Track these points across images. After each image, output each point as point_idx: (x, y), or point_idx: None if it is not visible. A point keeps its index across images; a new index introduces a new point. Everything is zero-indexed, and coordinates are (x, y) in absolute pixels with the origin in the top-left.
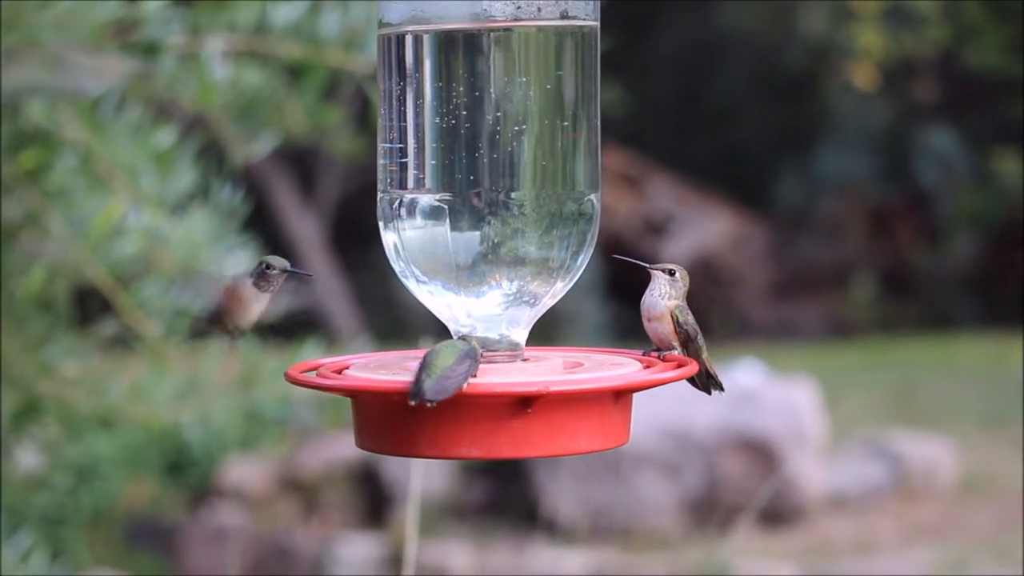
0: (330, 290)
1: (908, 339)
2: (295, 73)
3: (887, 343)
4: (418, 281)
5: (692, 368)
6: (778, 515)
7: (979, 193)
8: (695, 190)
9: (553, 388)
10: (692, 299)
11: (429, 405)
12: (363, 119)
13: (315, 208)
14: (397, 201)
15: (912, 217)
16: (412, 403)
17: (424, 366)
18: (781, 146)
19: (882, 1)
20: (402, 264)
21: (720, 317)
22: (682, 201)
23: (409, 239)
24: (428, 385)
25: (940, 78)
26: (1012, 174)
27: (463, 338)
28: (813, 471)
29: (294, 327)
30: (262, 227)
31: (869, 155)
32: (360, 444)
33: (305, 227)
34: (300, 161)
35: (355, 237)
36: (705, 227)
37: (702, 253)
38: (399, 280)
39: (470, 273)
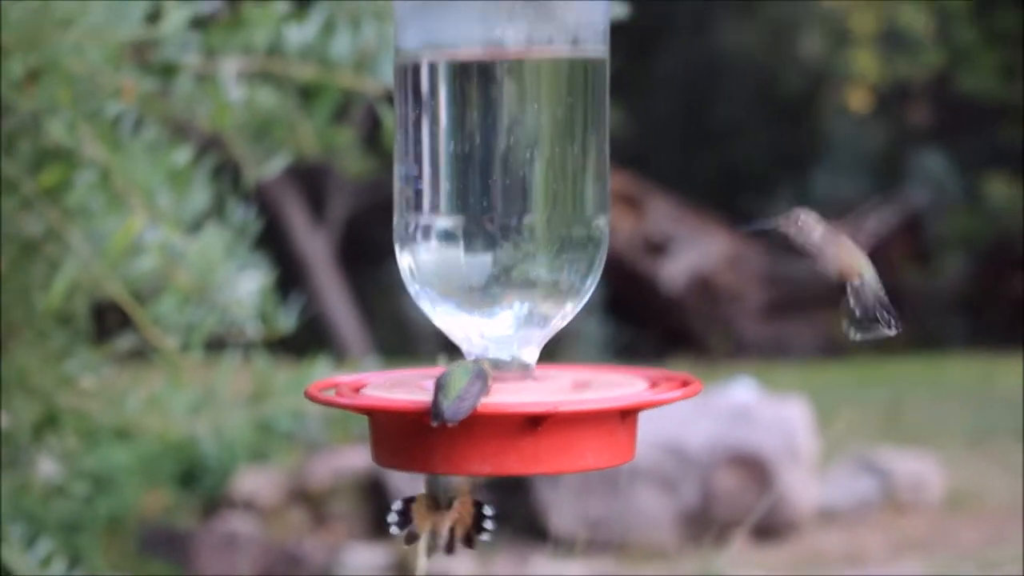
0: (338, 306)
1: (898, 358)
2: (307, 94)
3: (877, 362)
4: (432, 302)
5: (696, 387)
6: (771, 528)
7: (969, 215)
8: (694, 211)
9: (562, 408)
10: (691, 317)
11: (449, 426)
12: (372, 140)
13: (325, 226)
14: (412, 225)
15: (904, 238)
16: (434, 424)
17: (440, 388)
18: (778, 167)
19: (877, 25)
20: (417, 286)
21: (717, 336)
22: (681, 221)
23: (424, 261)
24: (447, 407)
25: (933, 102)
26: (1002, 197)
27: (475, 360)
28: (805, 486)
29: (304, 343)
30: (274, 244)
31: (863, 176)
32: (377, 460)
33: (315, 244)
34: (311, 180)
35: (363, 254)
36: (703, 247)
37: (700, 272)
38: (408, 297)
39: (483, 295)
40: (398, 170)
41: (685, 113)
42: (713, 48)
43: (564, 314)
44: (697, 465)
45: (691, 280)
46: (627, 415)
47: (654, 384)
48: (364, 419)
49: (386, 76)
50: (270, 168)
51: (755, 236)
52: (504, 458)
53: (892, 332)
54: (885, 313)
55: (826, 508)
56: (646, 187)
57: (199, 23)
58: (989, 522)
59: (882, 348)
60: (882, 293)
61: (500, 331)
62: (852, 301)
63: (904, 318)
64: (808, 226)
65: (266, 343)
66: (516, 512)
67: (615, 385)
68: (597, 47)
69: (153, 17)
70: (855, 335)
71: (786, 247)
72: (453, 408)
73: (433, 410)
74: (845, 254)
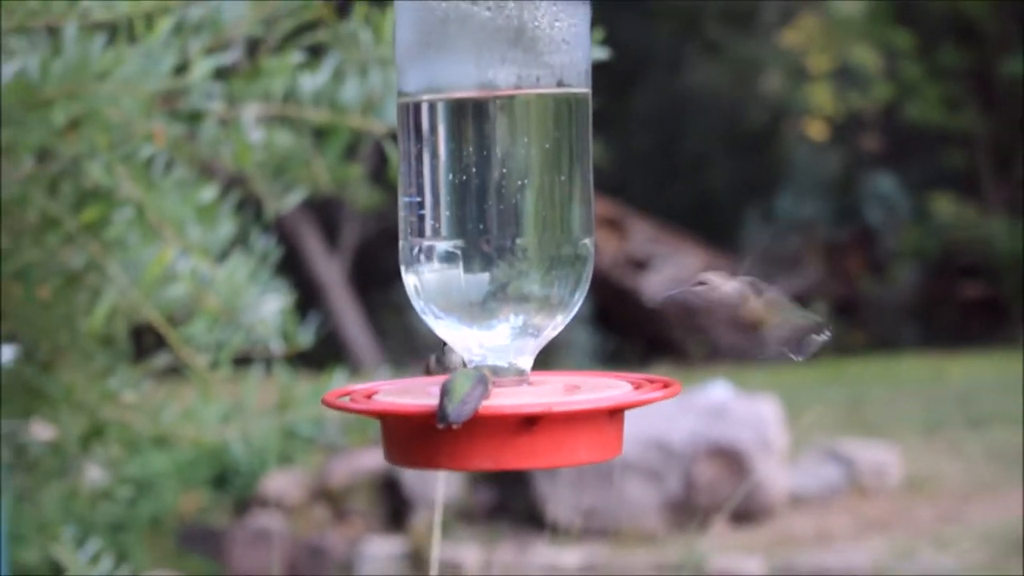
0: (352, 323)
1: (858, 359)
2: (320, 135)
3: (840, 363)
4: (435, 317)
5: (675, 389)
6: (747, 513)
7: (918, 231)
8: (671, 232)
9: (556, 408)
10: (671, 326)
11: (454, 427)
12: (379, 175)
13: (338, 252)
14: (416, 248)
15: (860, 252)
16: (440, 426)
17: (445, 392)
18: (746, 192)
19: (831, 63)
20: (421, 303)
21: (695, 342)
22: (659, 241)
23: (427, 280)
24: (452, 409)
25: (883, 131)
26: (947, 214)
27: (476, 368)
28: (777, 475)
29: (321, 357)
30: (292, 270)
31: (822, 198)
32: (389, 459)
33: (329, 269)
34: (325, 212)
35: (373, 277)
36: (680, 263)
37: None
38: (416, 315)
39: (481, 309)
40: (402, 199)
41: (660, 145)
42: (684, 87)
43: (555, 325)
44: (680, 458)
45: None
46: (614, 414)
47: (638, 386)
48: (377, 423)
49: (390, 117)
50: (288, 202)
51: (672, 301)
52: (503, 454)
53: (825, 337)
54: (810, 331)
55: (796, 494)
56: (627, 212)
57: (222, 73)
58: (944, 503)
59: (844, 350)
60: (800, 317)
61: (497, 341)
62: (778, 338)
63: (862, 324)
64: (717, 284)
65: (288, 358)
66: (517, 503)
67: (603, 388)
68: (580, 86)
69: (181, 69)
70: (798, 358)
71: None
72: (457, 411)
73: (439, 413)
74: (755, 304)
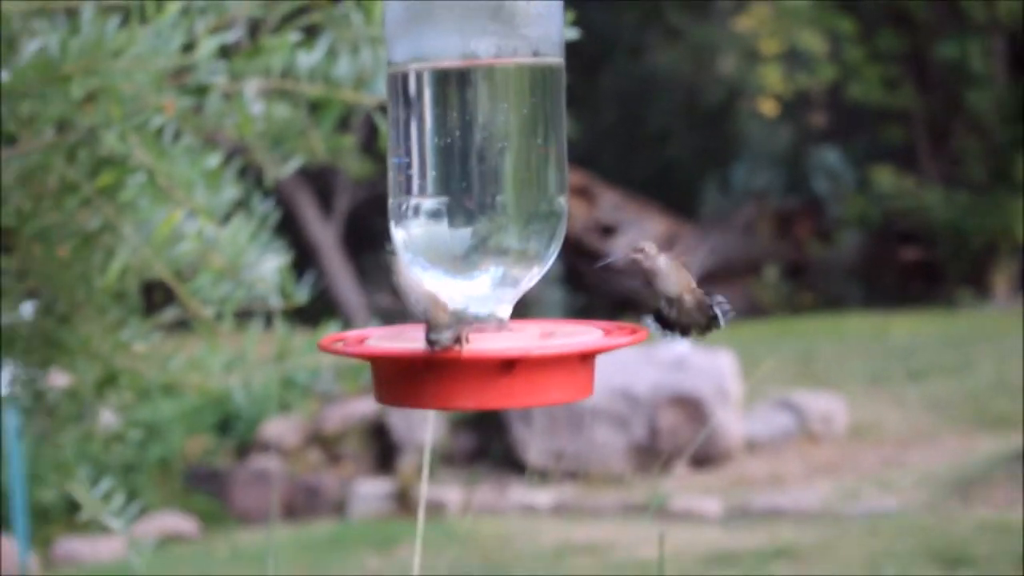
0: (344, 282)
1: (807, 316)
2: (315, 108)
3: (791, 320)
4: (422, 268)
5: (642, 335)
6: (706, 458)
7: (861, 200)
8: (635, 200)
9: (532, 352)
10: (636, 289)
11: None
12: (370, 145)
13: (332, 217)
14: (405, 205)
15: (808, 219)
16: (435, 350)
17: (429, 328)
18: (704, 164)
19: (781, 47)
20: (410, 255)
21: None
22: (625, 208)
23: (415, 235)
24: (434, 337)
25: (829, 108)
26: (888, 184)
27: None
28: (733, 422)
29: (316, 312)
30: (290, 232)
31: (773, 170)
32: (379, 399)
33: (324, 232)
34: (319, 179)
35: (364, 239)
36: (644, 228)
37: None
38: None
39: (464, 261)
40: (392, 161)
41: (625, 121)
42: (647, 68)
43: (532, 276)
44: (644, 406)
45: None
46: (586, 358)
47: (608, 333)
48: (368, 369)
49: (381, 91)
50: (286, 169)
51: (608, 268)
52: (485, 394)
53: (721, 327)
54: (710, 316)
55: (751, 440)
56: (596, 181)
57: (226, 51)
58: (886, 449)
59: (794, 309)
60: (707, 301)
61: (479, 291)
62: (676, 312)
63: (810, 285)
64: (652, 254)
65: (285, 313)
66: (495, 447)
67: (576, 334)
68: (555, 57)
69: (188, 47)
70: (665, 336)
71: (708, 238)
72: (443, 339)
73: (427, 339)
74: (682, 275)
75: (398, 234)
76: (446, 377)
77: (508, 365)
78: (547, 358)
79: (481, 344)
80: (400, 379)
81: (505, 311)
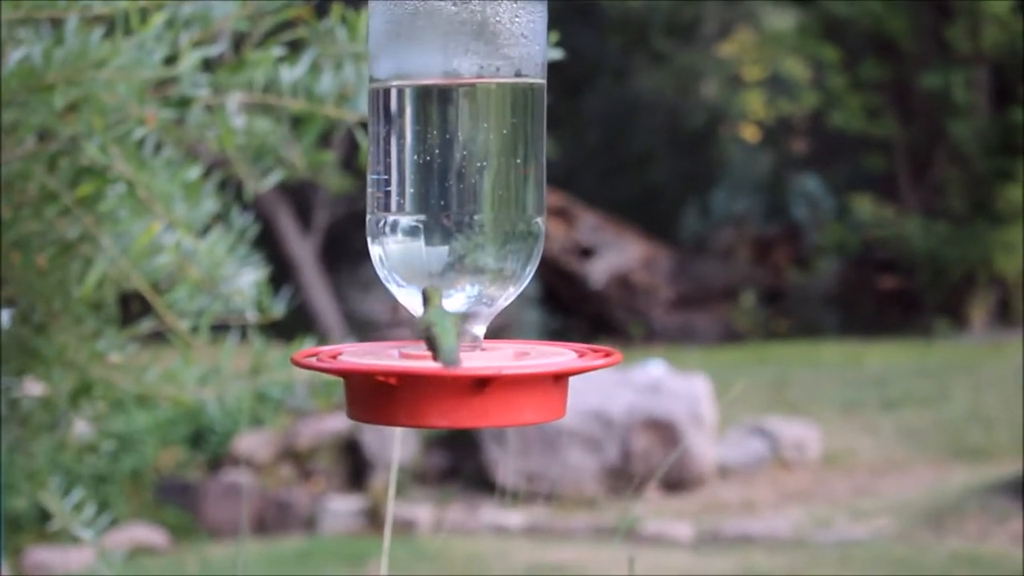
0: (321, 297)
1: (783, 342)
2: (297, 123)
3: (766, 346)
4: (398, 285)
5: (616, 358)
6: (679, 482)
7: (840, 227)
8: (615, 222)
9: (506, 371)
10: (613, 308)
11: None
12: (350, 161)
13: (310, 232)
14: (382, 221)
15: (787, 246)
16: (452, 370)
17: (436, 348)
18: (684, 188)
19: (764, 73)
20: (385, 272)
21: (634, 324)
22: (604, 230)
23: (391, 252)
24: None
25: (810, 135)
26: (867, 212)
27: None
28: (707, 447)
29: (292, 327)
30: (268, 246)
31: (754, 196)
32: (351, 415)
33: (302, 247)
34: (299, 194)
35: (342, 256)
36: (623, 251)
37: (620, 271)
38: (381, 286)
39: (440, 279)
40: (370, 176)
41: (607, 143)
42: (631, 91)
43: (508, 295)
44: (618, 428)
45: (612, 278)
46: (559, 379)
47: (582, 355)
48: (341, 386)
49: (362, 108)
50: (266, 183)
51: None
52: (457, 413)
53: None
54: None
55: (724, 465)
56: (576, 203)
57: (209, 64)
58: (859, 477)
59: (770, 334)
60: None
61: (454, 309)
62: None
63: (787, 311)
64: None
65: (261, 327)
66: (467, 467)
67: (550, 355)
68: (537, 77)
69: (171, 59)
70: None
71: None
72: (454, 357)
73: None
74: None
75: (374, 250)
76: (418, 394)
77: (481, 384)
78: (521, 377)
79: None
80: (372, 395)
81: (480, 330)
